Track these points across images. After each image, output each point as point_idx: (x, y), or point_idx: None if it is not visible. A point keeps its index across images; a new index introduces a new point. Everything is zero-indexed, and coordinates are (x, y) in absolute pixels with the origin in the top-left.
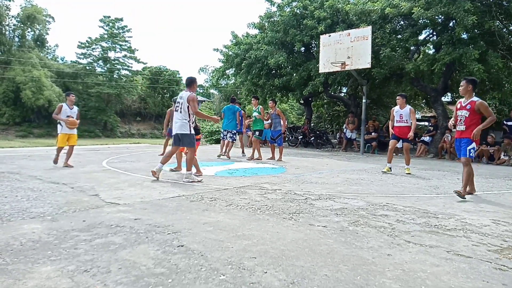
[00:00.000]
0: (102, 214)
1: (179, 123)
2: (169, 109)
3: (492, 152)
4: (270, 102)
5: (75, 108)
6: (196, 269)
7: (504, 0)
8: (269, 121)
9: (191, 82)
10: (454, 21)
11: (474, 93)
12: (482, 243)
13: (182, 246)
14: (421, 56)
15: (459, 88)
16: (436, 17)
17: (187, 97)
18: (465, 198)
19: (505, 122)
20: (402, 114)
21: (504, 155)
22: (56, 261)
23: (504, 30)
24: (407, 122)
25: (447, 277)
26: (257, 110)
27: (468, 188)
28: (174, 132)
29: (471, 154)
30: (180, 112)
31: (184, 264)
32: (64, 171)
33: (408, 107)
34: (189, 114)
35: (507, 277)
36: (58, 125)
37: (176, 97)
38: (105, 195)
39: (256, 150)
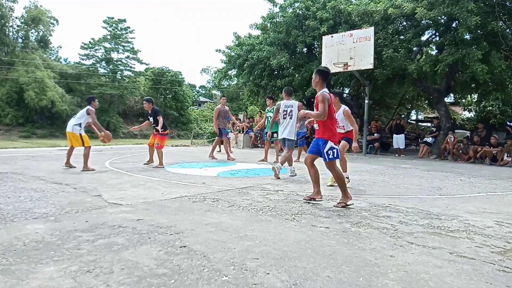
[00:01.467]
0: (105, 215)
1: (289, 129)
2: (216, 108)
3: (495, 153)
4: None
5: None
6: (199, 270)
7: (507, 1)
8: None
9: (291, 92)
10: (457, 21)
11: (325, 85)
12: (485, 245)
13: (185, 246)
14: (423, 57)
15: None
16: (439, 17)
17: (298, 105)
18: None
19: (508, 123)
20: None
21: (507, 156)
22: (59, 262)
23: (508, 30)
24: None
25: (450, 278)
26: (271, 110)
27: (343, 196)
28: (282, 136)
29: (330, 157)
30: (291, 118)
31: (187, 265)
32: (67, 171)
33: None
34: (297, 121)
35: (510, 279)
36: (77, 126)
37: (279, 104)
38: (108, 195)
39: (279, 152)
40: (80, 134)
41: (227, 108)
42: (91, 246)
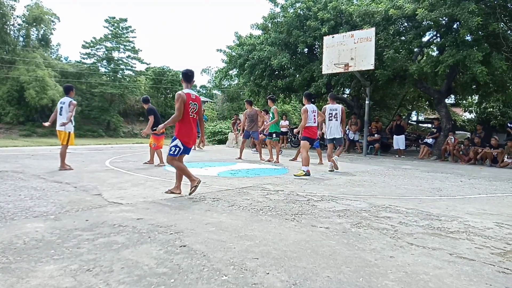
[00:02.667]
0: (105, 214)
1: (336, 130)
2: (244, 112)
3: (496, 154)
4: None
5: None
6: (199, 269)
7: (509, 2)
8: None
9: (335, 96)
10: (458, 23)
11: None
12: (485, 246)
13: (185, 246)
14: (424, 58)
15: None
16: (440, 18)
17: (341, 108)
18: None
19: (509, 125)
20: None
21: (507, 158)
22: (59, 260)
23: (509, 32)
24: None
25: (450, 279)
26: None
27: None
28: (331, 136)
29: (171, 152)
30: (336, 120)
31: (187, 264)
32: (67, 170)
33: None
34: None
35: (510, 281)
36: (68, 124)
37: (325, 108)
38: (108, 194)
39: (274, 151)
40: (69, 132)
41: (255, 109)
42: (91, 245)
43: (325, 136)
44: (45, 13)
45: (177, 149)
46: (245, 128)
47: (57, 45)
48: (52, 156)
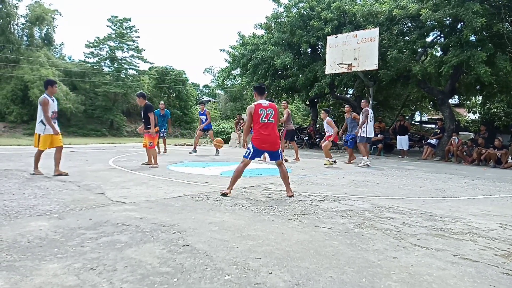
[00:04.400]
0: (108, 213)
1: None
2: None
3: (500, 155)
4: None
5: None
6: (201, 269)
7: None
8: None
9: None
10: (462, 23)
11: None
12: (489, 247)
13: (188, 245)
14: (428, 58)
15: None
16: (444, 19)
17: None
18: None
19: None
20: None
21: (511, 159)
22: (63, 259)
23: None
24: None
25: (453, 281)
26: None
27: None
28: (370, 135)
29: (245, 154)
30: (371, 121)
31: (189, 264)
32: (71, 169)
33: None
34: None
35: None
36: (40, 124)
37: (368, 110)
38: (111, 193)
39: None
40: (39, 134)
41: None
42: (94, 243)
43: (361, 135)
44: (47, 11)
45: (249, 151)
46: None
47: (60, 44)
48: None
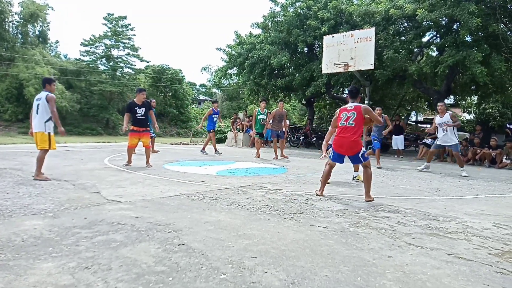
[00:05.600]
0: (104, 212)
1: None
2: (273, 111)
3: (494, 155)
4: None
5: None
6: (197, 268)
7: (509, 3)
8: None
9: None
10: (458, 23)
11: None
12: (483, 246)
13: (183, 244)
14: (424, 58)
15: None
16: (440, 19)
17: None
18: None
19: (508, 125)
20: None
21: (506, 159)
22: (57, 258)
23: (508, 33)
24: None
25: (447, 279)
26: (264, 113)
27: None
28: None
29: (329, 155)
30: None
31: (185, 263)
32: (66, 168)
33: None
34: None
35: (507, 281)
36: (49, 123)
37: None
38: (107, 192)
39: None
40: (49, 133)
41: (285, 111)
42: (89, 242)
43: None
44: (40, 8)
45: (331, 154)
46: (271, 127)
47: (56, 42)
48: (51, 153)
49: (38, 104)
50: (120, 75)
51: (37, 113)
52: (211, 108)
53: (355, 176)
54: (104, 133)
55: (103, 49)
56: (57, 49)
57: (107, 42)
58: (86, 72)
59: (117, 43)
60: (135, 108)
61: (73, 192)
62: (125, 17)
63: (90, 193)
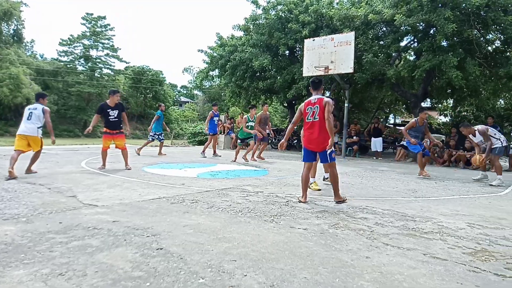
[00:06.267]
0: (80, 216)
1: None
2: (259, 114)
3: (469, 157)
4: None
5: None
6: (175, 273)
7: (482, 10)
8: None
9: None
10: (434, 28)
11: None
12: (457, 246)
13: (161, 249)
14: (402, 62)
15: None
16: (417, 24)
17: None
18: None
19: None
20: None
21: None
22: (30, 265)
23: (482, 39)
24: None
25: (423, 279)
26: (253, 120)
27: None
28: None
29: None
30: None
31: (163, 267)
32: (41, 171)
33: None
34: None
35: (479, 279)
36: (40, 130)
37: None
38: (83, 196)
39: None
40: (41, 138)
41: (268, 114)
42: (64, 248)
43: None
44: (14, 6)
45: (303, 155)
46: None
47: (31, 42)
48: (25, 156)
49: (31, 113)
50: (98, 76)
51: (28, 119)
52: (211, 111)
53: (326, 177)
54: (82, 135)
55: (82, 49)
56: (33, 49)
57: (86, 42)
58: (64, 73)
59: (96, 44)
60: (108, 110)
61: (48, 196)
62: (104, 17)
63: (66, 197)
